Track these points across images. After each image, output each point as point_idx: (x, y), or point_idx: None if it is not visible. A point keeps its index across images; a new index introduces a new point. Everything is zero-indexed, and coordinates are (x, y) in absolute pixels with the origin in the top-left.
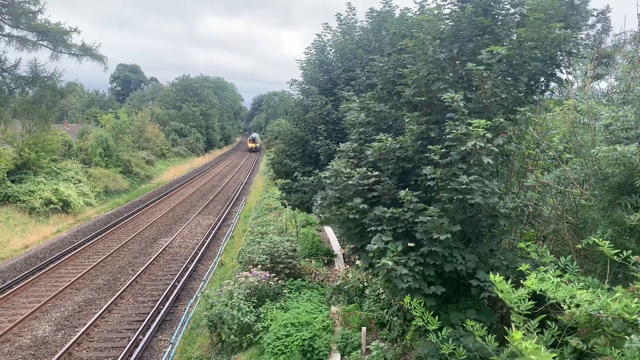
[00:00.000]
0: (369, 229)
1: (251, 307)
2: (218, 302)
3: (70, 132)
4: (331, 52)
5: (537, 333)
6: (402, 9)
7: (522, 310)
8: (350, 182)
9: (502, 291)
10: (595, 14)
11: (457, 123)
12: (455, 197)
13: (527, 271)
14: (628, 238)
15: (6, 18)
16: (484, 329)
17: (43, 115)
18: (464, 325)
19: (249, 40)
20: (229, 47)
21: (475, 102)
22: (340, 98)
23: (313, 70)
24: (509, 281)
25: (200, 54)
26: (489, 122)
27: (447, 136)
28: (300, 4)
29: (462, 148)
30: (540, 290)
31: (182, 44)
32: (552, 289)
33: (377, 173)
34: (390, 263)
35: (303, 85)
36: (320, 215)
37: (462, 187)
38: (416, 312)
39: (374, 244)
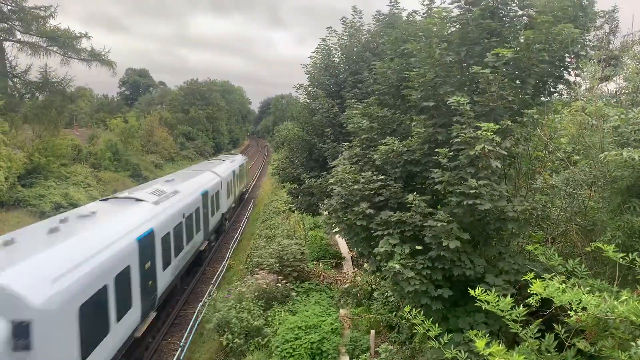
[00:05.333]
0: (376, 234)
1: (259, 311)
2: (225, 306)
3: (80, 137)
4: (337, 56)
5: (538, 337)
6: (409, 12)
7: (517, 317)
8: (355, 186)
9: (488, 302)
10: (603, 16)
11: (464, 126)
12: (464, 202)
13: (533, 280)
14: (637, 240)
15: (17, 24)
16: (488, 336)
17: (53, 120)
18: (473, 329)
19: (241, 41)
20: (222, 48)
21: (481, 105)
22: (347, 101)
23: (319, 73)
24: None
25: (194, 56)
26: (497, 126)
27: (455, 139)
28: (288, 4)
29: (471, 152)
30: (547, 295)
31: (175, 46)
32: (558, 295)
33: (382, 177)
34: (397, 266)
35: (309, 89)
36: (327, 221)
37: (471, 191)
38: (417, 321)
39: (382, 247)
